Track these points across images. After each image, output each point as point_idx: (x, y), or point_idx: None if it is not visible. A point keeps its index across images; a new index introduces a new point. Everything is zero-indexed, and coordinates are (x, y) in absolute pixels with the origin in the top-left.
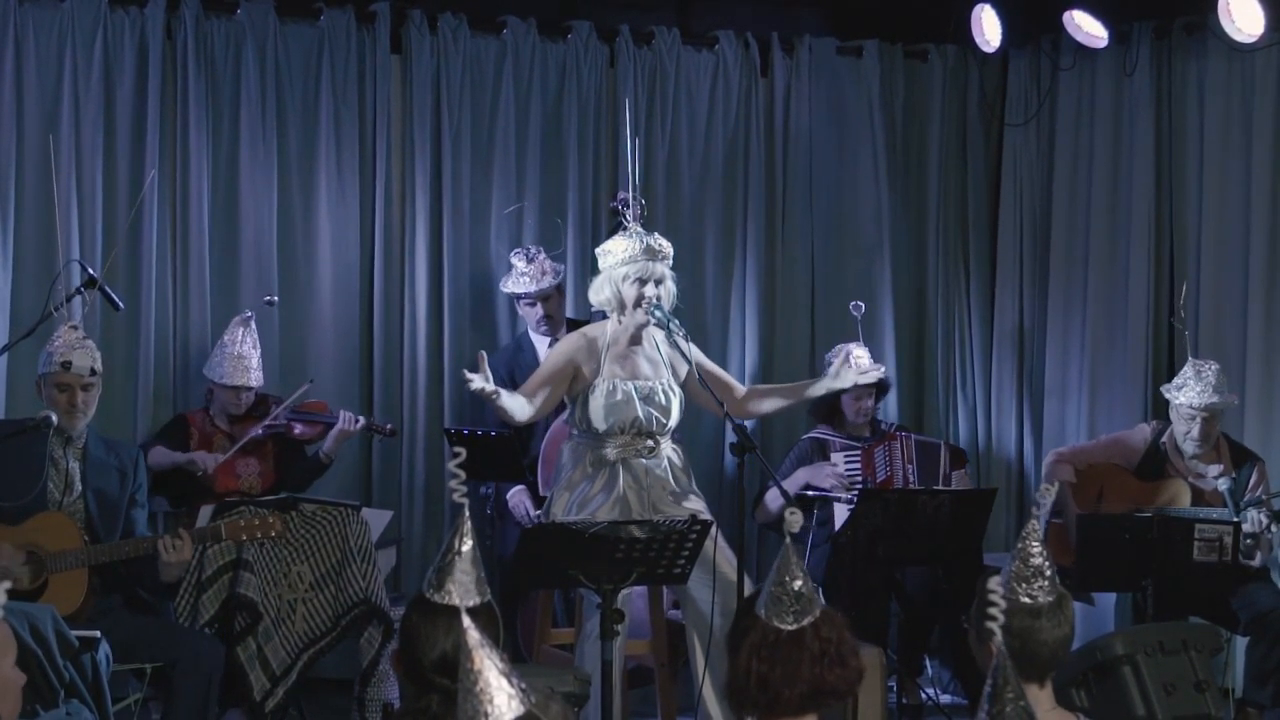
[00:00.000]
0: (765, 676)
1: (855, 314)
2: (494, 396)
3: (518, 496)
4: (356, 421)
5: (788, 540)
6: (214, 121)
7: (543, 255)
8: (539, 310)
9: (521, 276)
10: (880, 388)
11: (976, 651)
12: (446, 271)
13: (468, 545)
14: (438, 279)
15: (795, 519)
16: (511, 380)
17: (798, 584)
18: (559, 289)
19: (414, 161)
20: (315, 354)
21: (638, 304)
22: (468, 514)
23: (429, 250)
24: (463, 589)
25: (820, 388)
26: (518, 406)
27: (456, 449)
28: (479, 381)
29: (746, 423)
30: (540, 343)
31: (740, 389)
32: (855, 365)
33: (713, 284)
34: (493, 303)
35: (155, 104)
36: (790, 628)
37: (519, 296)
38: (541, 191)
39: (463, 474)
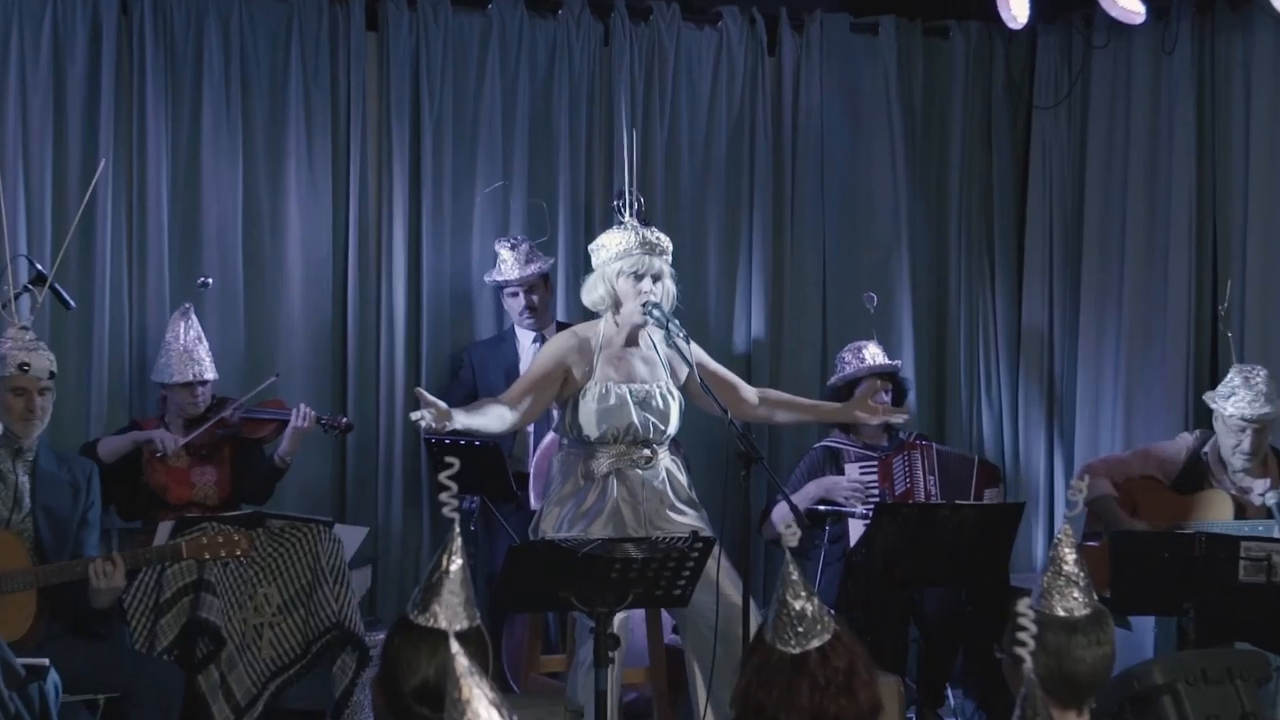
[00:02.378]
0: (761, 702)
1: (868, 305)
2: (446, 425)
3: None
4: (309, 414)
5: (787, 556)
6: (173, 105)
7: (527, 244)
8: (522, 300)
9: (502, 264)
10: (898, 391)
11: (1012, 682)
12: (426, 266)
13: (457, 564)
14: (416, 274)
15: (791, 533)
16: (485, 371)
17: (800, 604)
18: (544, 280)
19: (391, 148)
20: (284, 354)
21: (631, 304)
22: (457, 530)
23: (407, 243)
24: (450, 611)
25: (842, 415)
26: (494, 418)
27: (449, 459)
28: (427, 418)
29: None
30: (525, 337)
31: (750, 392)
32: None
33: (716, 282)
34: (475, 299)
35: (110, 86)
36: (793, 651)
37: (502, 285)
38: (530, 181)
39: (454, 486)
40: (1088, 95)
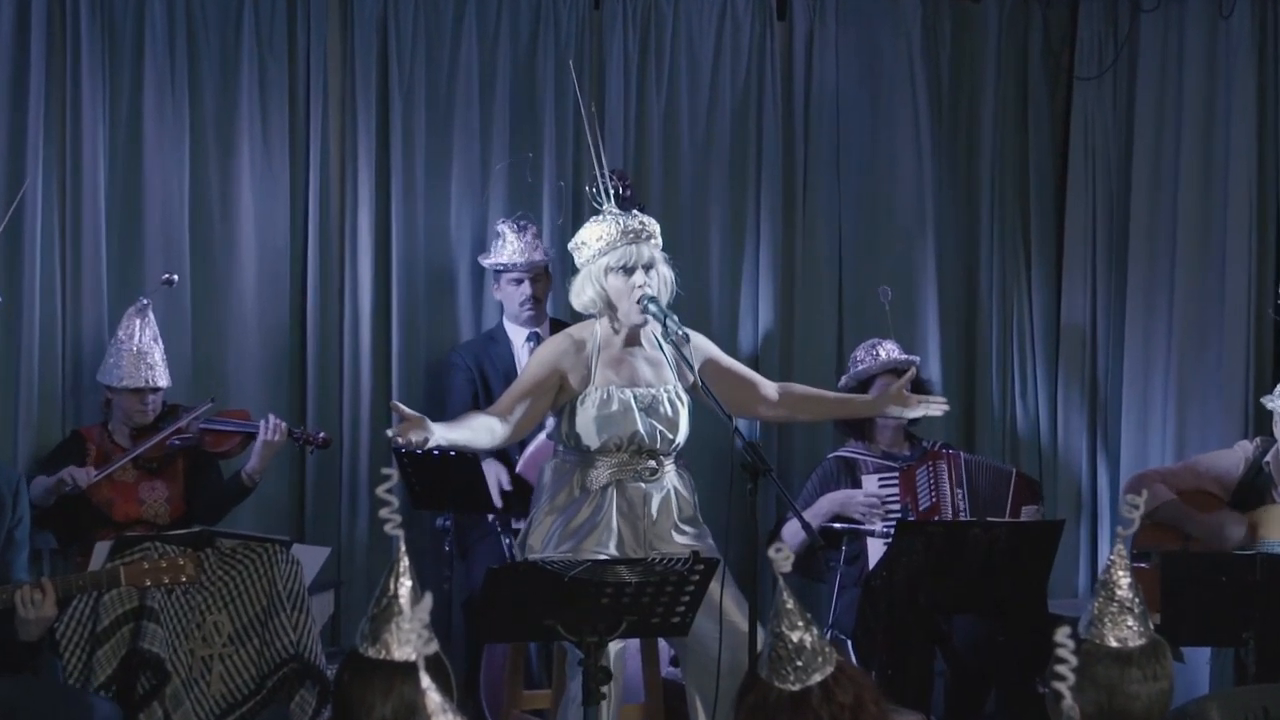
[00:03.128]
0: None
1: (883, 301)
2: (426, 444)
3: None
4: (280, 427)
5: (780, 582)
6: (112, 78)
7: (533, 229)
8: (525, 289)
9: (505, 245)
10: (917, 391)
11: None
12: (395, 256)
13: (406, 587)
14: (385, 266)
15: (781, 557)
16: (481, 376)
17: (797, 635)
18: (547, 272)
19: (356, 124)
20: (236, 357)
21: (625, 301)
22: (403, 549)
23: (374, 231)
24: (402, 640)
25: (875, 407)
26: (482, 431)
27: (385, 470)
28: (408, 433)
29: (746, 425)
30: (517, 334)
31: (770, 389)
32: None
33: (719, 274)
34: (452, 294)
35: (40, 58)
36: (793, 688)
37: (502, 270)
38: (511, 164)
39: (393, 500)
40: (1135, 65)
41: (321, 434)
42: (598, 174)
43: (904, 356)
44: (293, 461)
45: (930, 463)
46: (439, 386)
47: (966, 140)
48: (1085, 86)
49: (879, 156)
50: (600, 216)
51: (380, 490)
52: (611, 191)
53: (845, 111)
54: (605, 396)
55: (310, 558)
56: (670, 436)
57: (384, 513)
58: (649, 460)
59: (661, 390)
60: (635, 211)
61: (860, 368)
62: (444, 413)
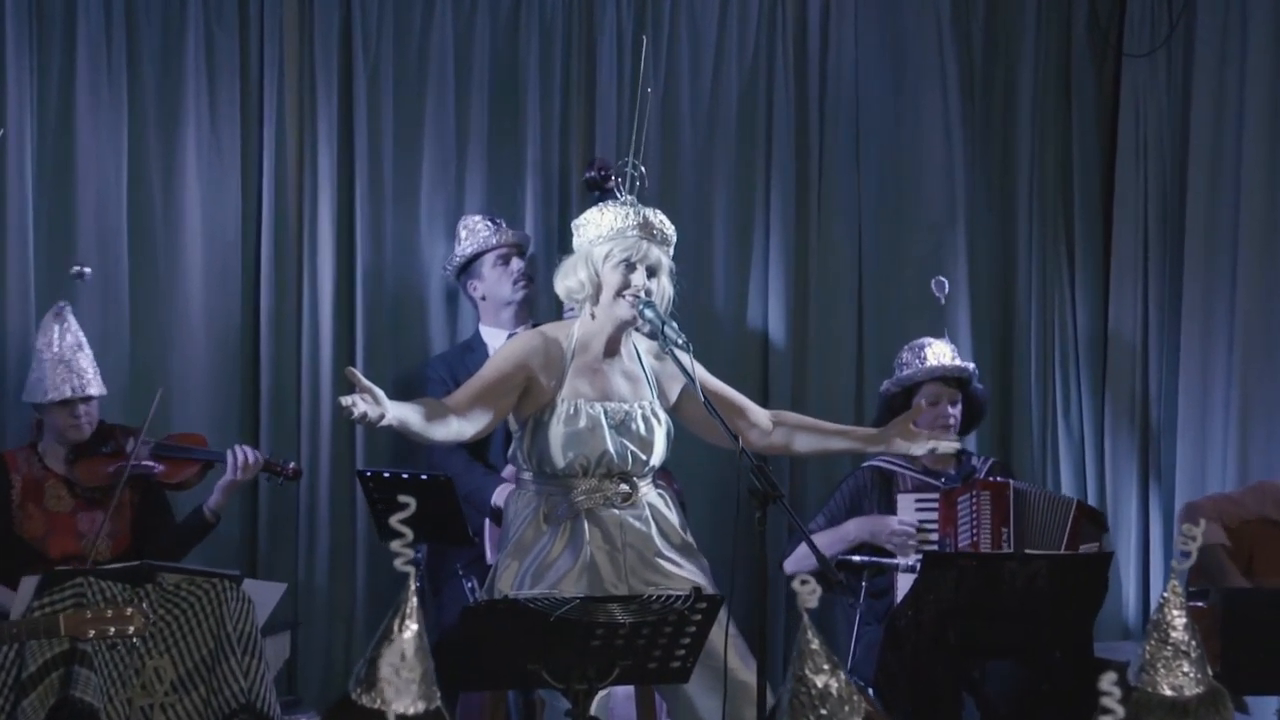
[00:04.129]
0: None
1: (938, 294)
2: (380, 421)
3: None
4: (252, 460)
5: (805, 620)
6: (40, 53)
7: (502, 222)
8: (517, 265)
9: (476, 233)
10: (970, 405)
11: None
12: (360, 258)
13: (411, 630)
14: (348, 268)
15: (806, 590)
16: (458, 385)
17: (822, 680)
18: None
19: (315, 105)
20: (179, 370)
21: (620, 294)
22: (413, 588)
23: (336, 223)
24: (402, 690)
25: (879, 442)
26: (438, 421)
27: (403, 498)
28: (360, 405)
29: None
30: (496, 339)
31: (761, 416)
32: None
33: (723, 275)
34: (423, 300)
35: None
36: None
37: (476, 256)
38: (490, 152)
39: (409, 533)
40: (1191, 39)
41: (292, 465)
42: (630, 162)
43: (955, 363)
44: (245, 489)
45: (975, 492)
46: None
47: (1001, 125)
48: (1135, 64)
49: (903, 144)
50: (619, 200)
51: (395, 520)
52: (594, 176)
53: (865, 93)
54: (573, 411)
55: (264, 595)
56: (643, 457)
57: (396, 545)
58: (621, 484)
59: (636, 407)
60: (657, 211)
61: (905, 372)
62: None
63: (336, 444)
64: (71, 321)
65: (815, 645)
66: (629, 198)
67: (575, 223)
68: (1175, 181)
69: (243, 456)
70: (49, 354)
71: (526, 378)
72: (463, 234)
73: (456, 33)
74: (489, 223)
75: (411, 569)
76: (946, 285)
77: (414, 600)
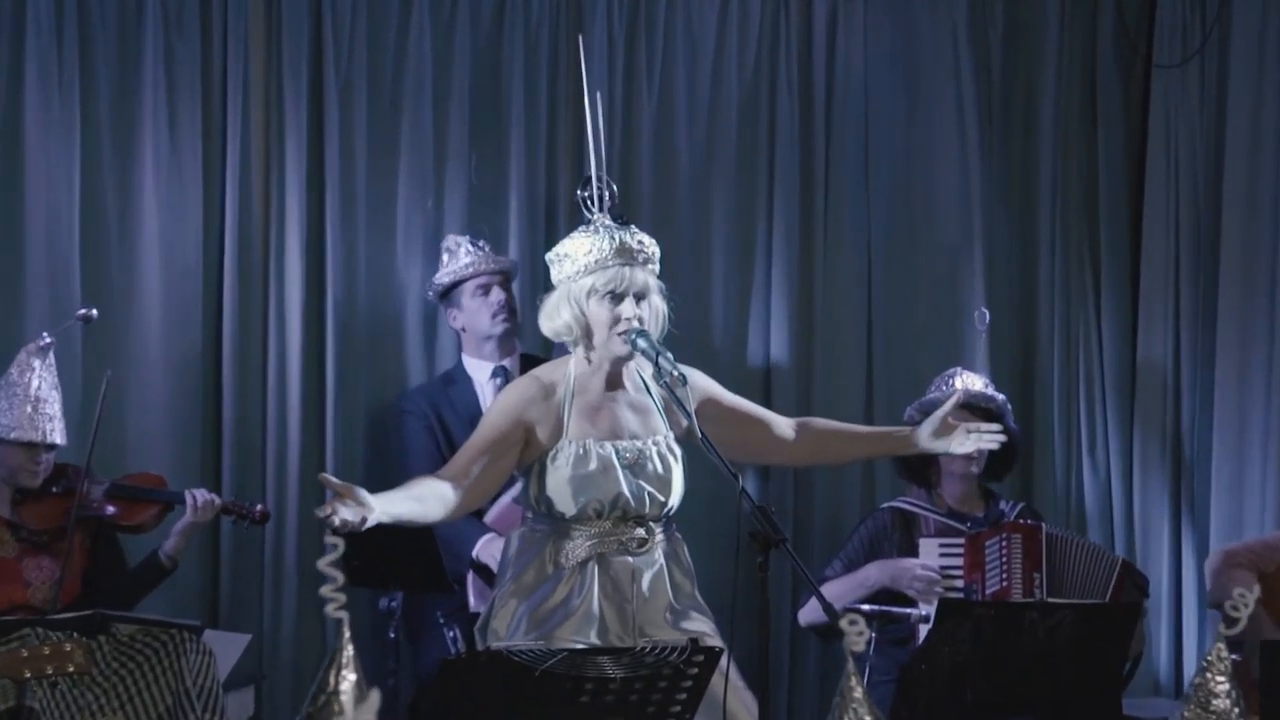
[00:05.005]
0: None
1: (979, 327)
2: (365, 525)
3: (491, 546)
4: (211, 503)
5: (850, 665)
6: None
7: (487, 248)
8: (497, 296)
9: (459, 257)
10: (1006, 443)
11: None
12: (331, 283)
13: (349, 682)
14: (318, 294)
15: (855, 630)
16: (441, 424)
17: None
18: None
19: (283, 120)
20: (136, 404)
21: (609, 332)
22: (347, 635)
23: (305, 252)
24: None
25: (918, 442)
26: (433, 501)
27: (331, 539)
28: (342, 512)
29: (755, 484)
30: (479, 370)
31: (785, 426)
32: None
33: (723, 299)
34: (399, 328)
35: None
36: None
37: (457, 284)
38: (471, 168)
39: (339, 576)
40: (1227, 49)
41: (258, 507)
42: (593, 174)
43: (987, 391)
44: (206, 532)
45: (1005, 536)
46: (383, 444)
47: (1022, 141)
48: (1166, 76)
49: (916, 162)
50: (590, 227)
51: (322, 563)
52: (602, 199)
53: (875, 108)
54: (581, 452)
55: (226, 647)
56: (661, 499)
57: (325, 590)
58: (636, 529)
59: (649, 443)
60: (634, 228)
61: (929, 397)
62: (401, 473)
63: (305, 484)
64: (52, 361)
65: (859, 694)
66: (601, 219)
67: (550, 256)
68: (1209, 201)
69: (201, 500)
70: (22, 388)
71: (525, 432)
72: (445, 257)
73: (435, 41)
74: (471, 245)
75: (344, 615)
76: (988, 316)
77: (349, 650)
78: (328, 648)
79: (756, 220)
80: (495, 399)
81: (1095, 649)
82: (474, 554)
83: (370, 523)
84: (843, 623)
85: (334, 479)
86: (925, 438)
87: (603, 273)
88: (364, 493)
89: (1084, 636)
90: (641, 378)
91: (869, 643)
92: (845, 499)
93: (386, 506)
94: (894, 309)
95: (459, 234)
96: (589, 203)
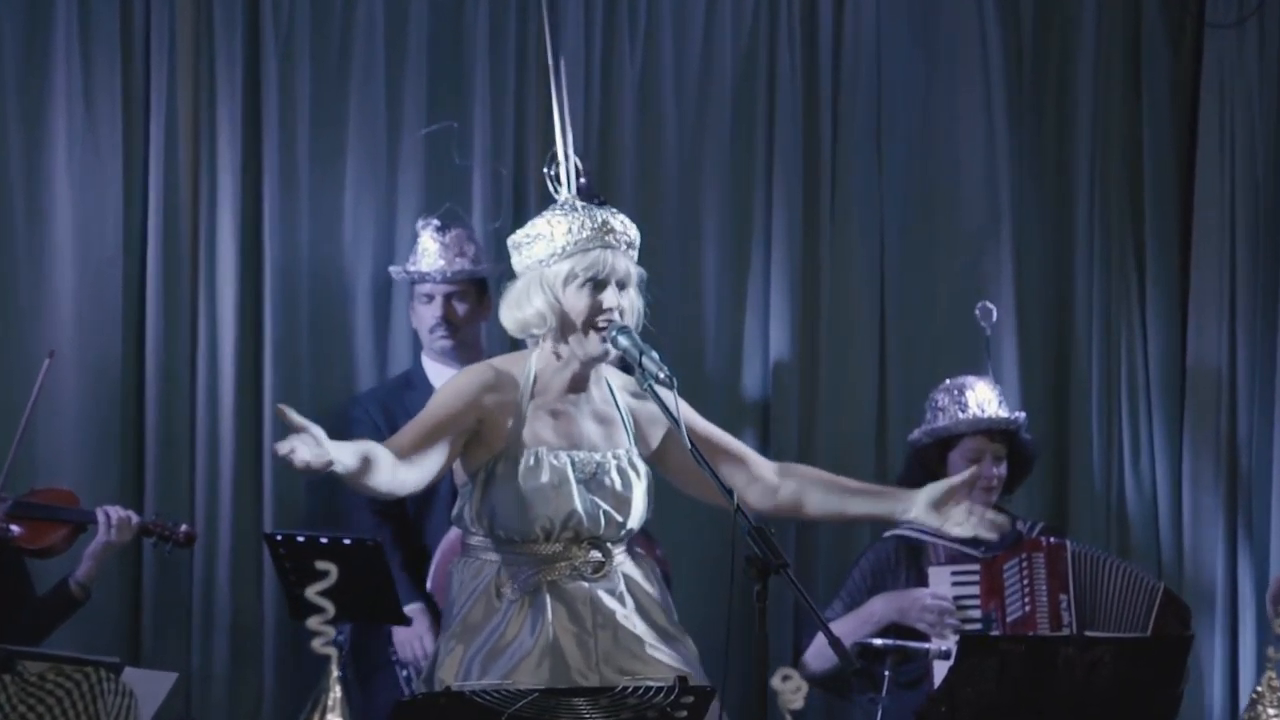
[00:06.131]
0: None
1: (982, 321)
2: (329, 467)
3: (409, 631)
4: (128, 521)
5: None
6: None
7: (460, 231)
8: (437, 308)
9: (423, 252)
10: (1017, 460)
11: None
12: (269, 274)
13: None
14: (254, 286)
15: (790, 689)
16: (393, 430)
17: None
18: (479, 287)
19: (215, 91)
20: (45, 411)
21: (592, 324)
22: (336, 674)
23: (240, 238)
24: None
25: (908, 507)
26: (384, 467)
27: (322, 565)
28: (301, 450)
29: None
30: (441, 374)
31: (766, 469)
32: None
33: (714, 292)
34: (348, 324)
35: None
36: None
37: (416, 281)
38: (428, 143)
39: (330, 607)
40: None
41: (183, 527)
42: (559, 148)
43: (1002, 413)
44: (126, 557)
45: (1025, 556)
46: None
47: (1056, 110)
48: (1220, 37)
49: (936, 134)
50: (564, 205)
51: (312, 592)
52: (572, 176)
53: (889, 72)
54: (533, 462)
55: (149, 687)
56: (619, 519)
57: (314, 622)
58: (591, 551)
59: (610, 456)
60: (613, 210)
61: (941, 423)
62: (349, 490)
63: (240, 502)
64: None
65: None
66: (569, 198)
67: (514, 240)
68: (1270, 180)
69: (115, 517)
70: None
71: (479, 419)
72: (414, 250)
73: None
74: (432, 242)
75: (333, 651)
76: (994, 312)
77: (337, 690)
78: (266, 689)
79: (753, 203)
80: (449, 381)
81: (1141, 691)
82: (429, 589)
83: (331, 468)
84: (774, 679)
85: (294, 414)
86: (922, 507)
87: (583, 256)
88: (322, 434)
89: (1128, 676)
90: (609, 385)
91: (884, 681)
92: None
93: (339, 455)
94: (910, 304)
95: (421, 212)
96: (557, 181)
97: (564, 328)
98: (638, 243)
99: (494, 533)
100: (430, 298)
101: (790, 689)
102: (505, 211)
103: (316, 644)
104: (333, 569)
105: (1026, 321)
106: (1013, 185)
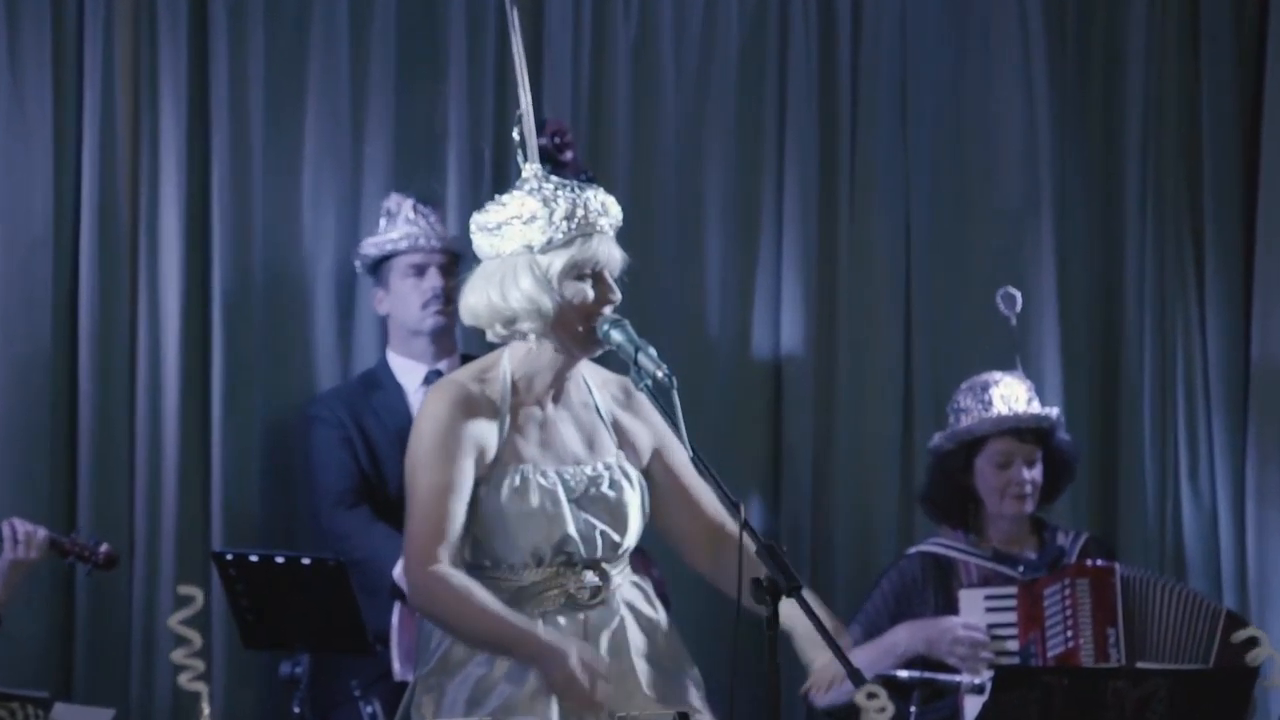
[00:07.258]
0: None
1: (1006, 310)
2: None
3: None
4: (33, 536)
5: None
6: None
7: (435, 217)
8: (435, 280)
9: (401, 221)
10: (1055, 465)
11: None
12: (218, 261)
13: None
14: (201, 274)
15: (875, 706)
16: (363, 436)
17: None
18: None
19: (156, 57)
20: None
21: (590, 320)
22: (206, 711)
23: (185, 221)
24: None
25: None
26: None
27: (186, 591)
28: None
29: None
30: (410, 374)
31: (714, 521)
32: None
33: (719, 282)
34: (306, 316)
35: None
36: None
37: (388, 257)
38: (398, 113)
39: (195, 637)
40: None
41: (103, 547)
42: (522, 108)
43: (1033, 410)
44: (57, 580)
45: (1069, 581)
46: (285, 463)
47: (1103, 75)
48: None
49: (968, 104)
50: (544, 185)
51: (173, 621)
52: (546, 145)
53: (916, 37)
54: (518, 483)
55: None
56: (616, 538)
57: (178, 655)
58: (587, 575)
59: (600, 466)
60: (599, 188)
61: (965, 423)
62: (309, 496)
63: (184, 515)
64: None
65: None
66: (537, 169)
67: (485, 220)
68: None
69: (21, 532)
70: None
71: (479, 453)
72: (383, 221)
73: None
74: (413, 212)
75: (202, 687)
76: (1019, 300)
77: None
78: None
79: (762, 181)
80: (432, 433)
81: None
82: (396, 574)
83: None
84: (858, 696)
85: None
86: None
87: (584, 245)
88: None
89: (1185, 711)
90: (588, 386)
91: (910, 714)
92: (876, 533)
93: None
94: (939, 294)
95: (399, 194)
96: (522, 145)
97: (558, 324)
98: (620, 222)
99: (478, 561)
100: (421, 269)
101: (875, 707)
102: (485, 193)
103: (183, 679)
104: (198, 594)
105: (1069, 314)
106: (1054, 158)
